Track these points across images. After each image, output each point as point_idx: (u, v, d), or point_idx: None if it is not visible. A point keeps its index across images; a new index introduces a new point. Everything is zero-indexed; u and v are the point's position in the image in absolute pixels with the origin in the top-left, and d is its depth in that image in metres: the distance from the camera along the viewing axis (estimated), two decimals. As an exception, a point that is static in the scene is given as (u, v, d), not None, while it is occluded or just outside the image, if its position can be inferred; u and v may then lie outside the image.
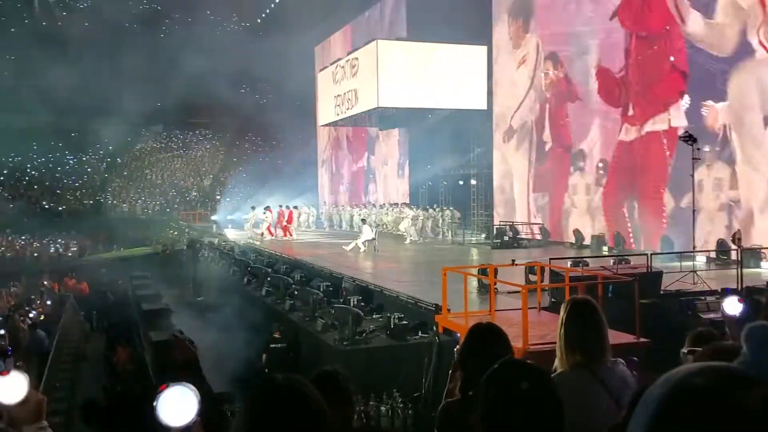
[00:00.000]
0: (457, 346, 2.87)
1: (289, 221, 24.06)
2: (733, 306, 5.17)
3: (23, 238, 33.20)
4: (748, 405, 0.60)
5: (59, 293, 23.22)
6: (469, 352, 2.57)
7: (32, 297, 22.34)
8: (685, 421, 0.61)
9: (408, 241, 20.22)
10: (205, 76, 34.17)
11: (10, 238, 33.17)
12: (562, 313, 2.69)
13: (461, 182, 23.45)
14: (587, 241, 16.34)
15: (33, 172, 37.48)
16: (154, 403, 2.11)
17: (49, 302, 21.07)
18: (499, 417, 1.55)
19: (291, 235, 23.47)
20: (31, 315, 17.95)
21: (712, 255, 12.75)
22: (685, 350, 2.68)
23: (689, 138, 11.19)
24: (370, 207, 25.25)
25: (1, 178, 36.78)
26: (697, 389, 0.62)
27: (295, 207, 26.17)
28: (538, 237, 18.51)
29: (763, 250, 12.05)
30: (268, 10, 33.84)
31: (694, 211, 11.32)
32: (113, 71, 34.56)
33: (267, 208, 24.18)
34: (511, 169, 20.36)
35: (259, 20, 34.83)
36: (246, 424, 1.45)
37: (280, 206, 24.69)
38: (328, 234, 25.63)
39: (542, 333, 6.51)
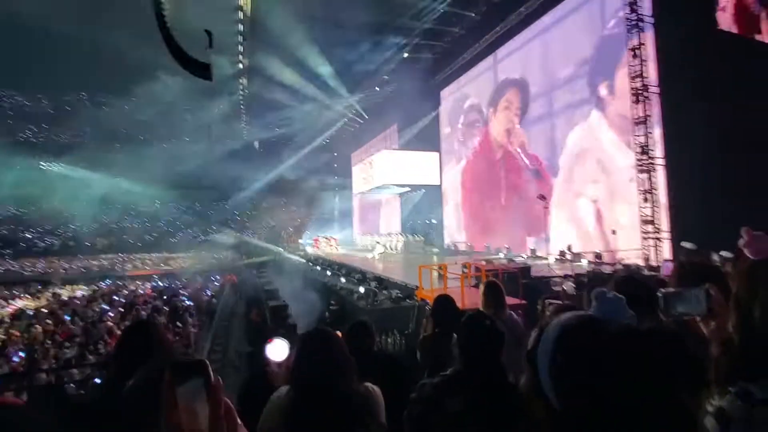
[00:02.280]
0: (428, 306, 2.87)
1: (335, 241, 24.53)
2: (569, 286, 5.08)
3: (206, 254, 33.74)
4: (599, 332, 0.61)
5: (222, 281, 23.21)
6: (436, 309, 2.55)
7: (207, 284, 22.32)
8: (570, 346, 0.61)
9: (396, 252, 20.37)
10: (298, 173, 35.51)
11: (199, 253, 33.47)
12: (482, 288, 2.68)
13: (426, 222, 23.30)
14: (493, 250, 16.26)
15: (210, 216, 38.05)
16: (265, 349, 2.02)
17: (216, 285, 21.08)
18: (472, 341, 1.56)
19: (337, 250, 23.49)
20: (207, 292, 17.93)
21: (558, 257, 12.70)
22: (539, 306, 2.63)
23: (542, 197, 11.23)
24: (380, 235, 25.14)
25: (188, 216, 37.41)
26: (574, 326, 0.63)
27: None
28: (468, 248, 18.39)
29: (584, 254, 11.94)
30: (329, 139, 34.55)
31: (547, 234, 11.29)
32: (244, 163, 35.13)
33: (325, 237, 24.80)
34: (453, 214, 20.45)
35: (325, 142, 35.44)
36: (302, 354, 1.45)
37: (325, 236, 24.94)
38: (358, 249, 25.48)
39: (471, 299, 6.44)
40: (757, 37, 8.29)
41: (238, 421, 0.50)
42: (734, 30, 8.13)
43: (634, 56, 10.28)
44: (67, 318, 11.55)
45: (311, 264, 17.67)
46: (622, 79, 10.88)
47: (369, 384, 1.50)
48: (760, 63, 7.91)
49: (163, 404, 0.47)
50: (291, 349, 1.95)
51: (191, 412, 0.46)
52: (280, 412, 1.36)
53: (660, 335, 0.57)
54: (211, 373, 0.49)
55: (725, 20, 8.11)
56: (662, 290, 0.91)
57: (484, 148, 17.85)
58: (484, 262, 10.45)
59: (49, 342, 9.46)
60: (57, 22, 21.14)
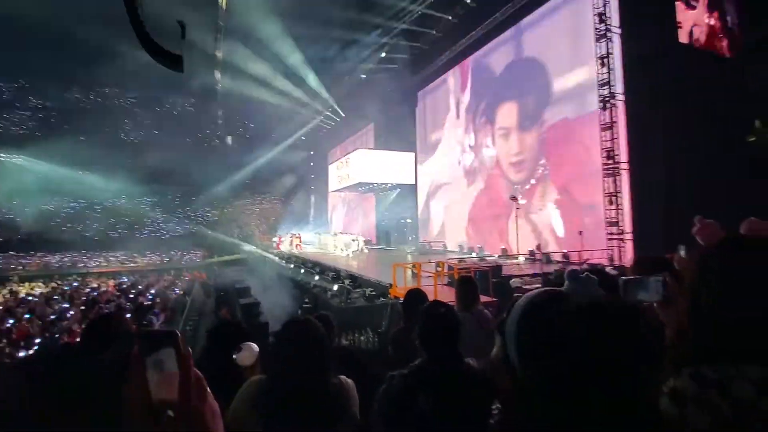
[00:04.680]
0: (401, 302, 2.89)
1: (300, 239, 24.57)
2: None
3: (174, 251, 32.56)
4: (564, 304, 0.62)
5: (191, 279, 22.58)
6: (408, 304, 2.57)
7: (176, 281, 21.67)
8: (535, 317, 0.63)
9: (362, 250, 20.32)
10: (273, 169, 34.82)
11: (167, 251, 32.45)
12: (456, 284, 2.72)
13: (401, 221, 23.25)
14: (465, 249, 16.48)
15: (180, 213, 36.87)
16: (234, 355, 1.86)
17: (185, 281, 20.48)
18: (429, 328, 1.57)
19: (301, 248, 23.35)
20: (176, 290, 17.42)
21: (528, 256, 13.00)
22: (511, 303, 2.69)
23: (514, 198, 11.47)
24: (355, 234, 25.04)
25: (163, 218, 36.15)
26: (543, 300, 0.65)
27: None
28: (442, 247, 18.54)
29: (552, 254, 12.26)
30: (305, 136, 34.05)
31: (517, 234, 11.53)
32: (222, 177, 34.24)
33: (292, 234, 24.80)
34: (429, 212, 20.59)
35: (301, 139, 34.84)
36: (282, 340, 1.44)
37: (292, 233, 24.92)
38: (319, 248, 25.37)
39: (444, 296, 6.52)
40: (716, 50, 8.76)
41: (208, 390, 0.50)
42: (695, 44, 8.56)
43: (602, 65, 10.66)
44: (26, 317, 10.96)
45: (284, 262, 17.40)
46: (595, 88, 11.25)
47: (343, 377, 1.50)
48: (720, 73, 8.38)
49: (129, 373, 0.46)
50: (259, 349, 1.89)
51: (161, 381, 0.46)
52: (252, 400, 1.34)
53: (621, 308, 0.58)
54: (181, 343, 0.49)
55: (686, 35, 8.52)
56: (623, 278, 0.96)
57: (460, 161, 18.10)
58: (456, 261, 10.60)
59: (4, 341, 8.95)
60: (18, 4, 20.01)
